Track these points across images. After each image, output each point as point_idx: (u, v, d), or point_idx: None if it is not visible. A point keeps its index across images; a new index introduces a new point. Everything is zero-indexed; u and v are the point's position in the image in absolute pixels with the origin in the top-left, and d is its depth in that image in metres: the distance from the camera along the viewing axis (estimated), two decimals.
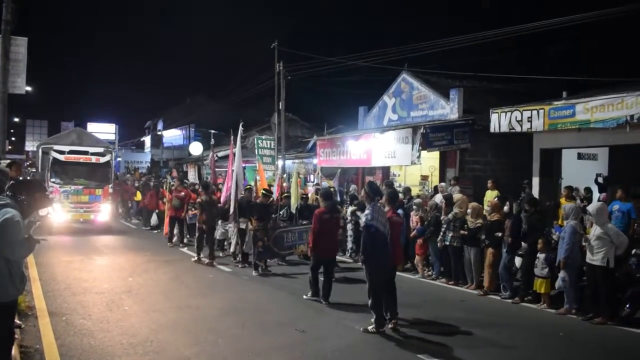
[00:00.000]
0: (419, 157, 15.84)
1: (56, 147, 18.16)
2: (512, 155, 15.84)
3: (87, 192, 17.92)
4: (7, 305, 4.42)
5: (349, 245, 13.67)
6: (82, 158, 18.17)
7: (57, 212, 16.71)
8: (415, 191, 15.96)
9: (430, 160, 17.50)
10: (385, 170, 19.41)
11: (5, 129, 14.09)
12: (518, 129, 13.32)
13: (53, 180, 17.53)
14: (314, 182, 21.19)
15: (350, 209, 13.55)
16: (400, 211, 9.94)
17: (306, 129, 34.16)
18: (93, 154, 18.51)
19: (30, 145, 61.52)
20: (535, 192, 13.52)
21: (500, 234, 9.97)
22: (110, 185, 18.71)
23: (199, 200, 13.94)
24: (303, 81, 26.16)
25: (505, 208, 10.64)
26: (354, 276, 11.28)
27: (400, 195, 12.74)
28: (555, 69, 19.08)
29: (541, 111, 12.71)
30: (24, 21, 13.66)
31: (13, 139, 64.57)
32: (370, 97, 22.32)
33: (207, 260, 12.84)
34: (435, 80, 19.46)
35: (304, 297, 9.48)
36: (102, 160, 18.53)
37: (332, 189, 13.80)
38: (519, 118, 13.23)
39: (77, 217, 17.95)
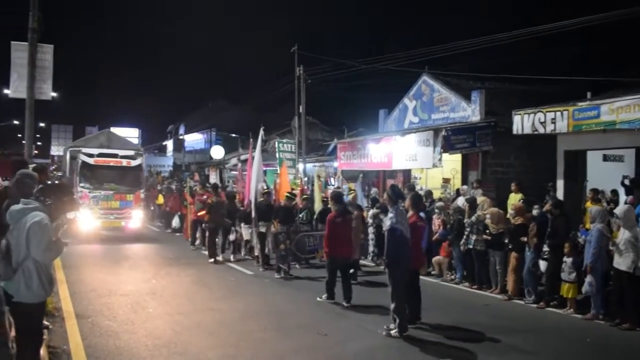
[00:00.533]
0: (440, 159, 15.73)
1: (85, 150, 17.39)
2: (535, 157, 15.64)
3: (117, 197, 16.95)
4: (37, 306, 4.51)
5: (371, 248, 13.63)
6: (112, 161, 17.26)
7: (86, 219, 16.02)
8: (437, 194, 15.85)
9: (452, 162, 17.37)
10: (407, 173, 19.30)
11: (32, 134, 14.34)
12: (541, 130, 13.15)
13: (82, 185, 16.68)
14: (334, 185, 21.18)
15: (372, 212, 13.50)
16: (422, 214, 9.87)
17: (326, 132, 34.15)
18: (123, 157, 17.61)
19: (55, 150, 62.60)
20: (560, 194, 13.32)
21: (525, 239, 9.85)
22: (142, 190, 17.85)
23: (208, 201, 14.36)
24: (323, 84, 26.17)
25: (535, 212, 10.46)
26: (376, 280, 11.25)
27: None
28: (576, 70, 18.78)
29: (565, 112, 12.53)
30: (48, 25, 13.85)
31: (39, 143, 65.76)
32: (390, 100, 22.25)
33: (221, 259, 13.62)
34: (456, 82, 19.32)
35: (318, 299, 9.50)
36: (133, 163, 17.58)
37: (352, 192, 13.79)
38: (542, 120, 13.06)
39: (107, 225, 17.00)
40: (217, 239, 14.25)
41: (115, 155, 17.52)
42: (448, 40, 19.24)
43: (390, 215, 7.60)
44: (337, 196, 10.15)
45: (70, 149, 18.67)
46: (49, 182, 5.08)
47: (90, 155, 17.14)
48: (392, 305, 7.49)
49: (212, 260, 13.40)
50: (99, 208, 16.62)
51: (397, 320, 7.42)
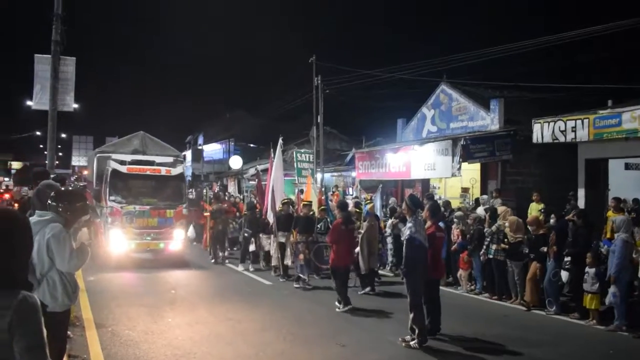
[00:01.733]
0: (459, 169, 15.64)
1: (115, 157, 14.54)
2: (556, 166, 15.47)
3: (155, 213, 13.87)
4: (62, 314, 4.59)
5: (389, 258, 13.56)
6: (148, 169, 14.25)
7: (117, 240, 13.47)
8: (455, 204, 15.75)
9: (471, 172, 17.26)
10: (425, 182, 19.22)
11: (55, 145, 14.58)
12: (562, 139, 13.02)
13: (112, 198, 13.66)
14: (352, 195, 21.16)
15: (390, 221, 13.45)
16: (441, 224, 9.82)
17: (344, 142, 34.21)
18: (161, 164, 14.72)
19: (76, 160, 63.60)
20: (582, 204, 13.16)
21: (545, 249, 9.73)
22: (184, 205, 14.64)
23: (210, 208, 15.04)
24: (341, 94, 26.23)
25: (552, 221, 10.36)
26: (395, 290, 11.18)
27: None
28: (596, 77, 18.61)
29: (586, 120, 12.41)
30: (70, 37, 14.11)
31: (60, 154, 66.77)
32: (408, 109, 22.24)
33: (227, 261, 14.90)
34: (474, 91, 19.24)
35: (337, 310, 9.49)
36: (174, 172, 14.48)
37: (369, 202, 13.79)
38: (562, 128, 12.94)
39: (142, 247, 14.04)
40: (226, 246, 15.59)
41: (151, 163, 14.67)
42: (466, 49, 19.13)
43: (409, 224, 7.56)
44: (343, 204, 10.65)
45: (98, 155, 15.38)
46: (63, 189, 5.14)
47: (122, 163, 14.21)
48: (411, 316, 7.43)
49: (213, 260, 15.06)
50: (134, 227, 13.56)
51: (417, 331, 7.35)
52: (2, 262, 2.25)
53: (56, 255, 4.38)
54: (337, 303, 9.60)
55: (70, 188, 7.30)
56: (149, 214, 13.78)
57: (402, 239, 7.47)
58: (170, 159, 15.08)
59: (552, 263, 9.58)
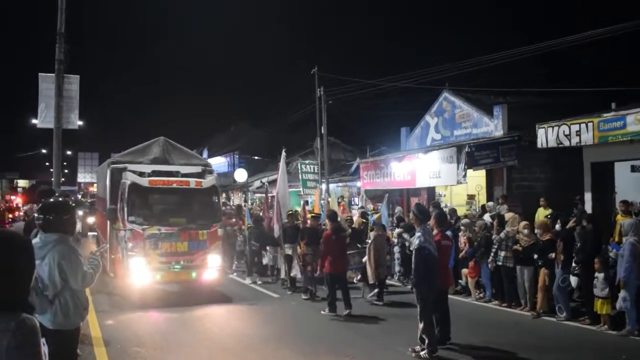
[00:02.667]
0: (464, 176, 15.60)
1: (133, 167, 11.81)
2: (561, 170, 15.41)
3: (185, 236, 11.04)
4: (74, 332, 4.64)
5: (397, 268, 13.51)
6: (175, 182, 11.56)
7: (140, 271, 10.62)
8: (462, 211, 15.70)
9: (477, 179, 17.21)
10: (431, 190, 19.18)
11: (60, 162, 14.66)
12: (566, 143, 12.97)
13: (132, 218, 10.88)
14: (358, 205, 21.13)
15: (397, 231, 13.41)
16: (448, 232, 9.78)
17: (348, 152, 34.20)
18: (187, 174, 12.06)
19: (82, 177, 63.88)
20: (588, 207, 13.08)
21: (553, 255, 9.67)
22: (218, 224, 11.81)
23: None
24: (344, 105, 26.30)
25: (557, 226, 10.31)
26: (403, 299, 11.13)
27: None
28: (598, 80, 18.55)
29: (590, 124, 12.36)
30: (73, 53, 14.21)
31: (66, 171, 67.15)
32: (411, 118, 22.23)
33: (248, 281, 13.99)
34: (477, 97, 19.24)
35: (322, 312, 10.12)
36: (205, 184, 11.74)
37: (375, 212, 13.77)
38: (567, 132, 12.89)
39: (170, 278, 11.14)
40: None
41: (176, 174, 12.03)
42: (468, 56, 19.18)
43: (418, 234, 7.54)
44: (333, 215, 11.19)
45: (112, 166, 12.39)
46: (52, 200, 5.13)
47: (142, 175, 11.65)
48: (421, 325, 7.39)
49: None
50: (159, 254, 10.74)
51: (427, 341, 7.31)
52: (3, 284, 2.25)
53: (70, 276, 4.44)
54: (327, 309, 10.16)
55: (59, 199, 6.11)
56: (177, 237, 10.90)
57: (411, 248, 7.46)
58: (198, 169, 12.47)
59: (561, 269, 9.51)
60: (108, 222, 12.02)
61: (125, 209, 10.94)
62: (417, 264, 7.45)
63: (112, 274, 11.98)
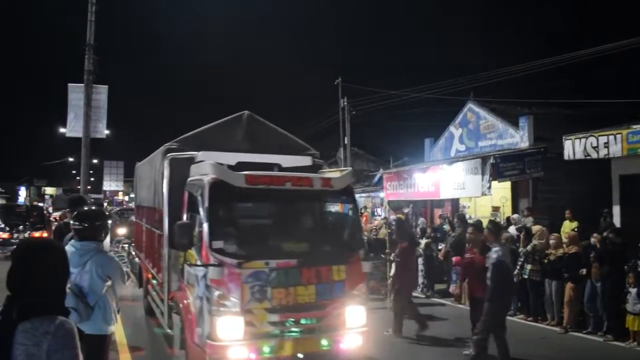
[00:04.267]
0: (489, 187, 15.40)
1: (210, 161, 6.54)
2: (589, 182, 15.14)
3: (311, 275, 6.19)
4: (110, 336, 4.84)
5: (420, 280, 13.40)
6: (288, 180, 6.58)
7: (234, 337, 5.79)
8: (486, 223, 15.52)
9: (502, 190, 17.02)
10: (455, 202, 19.02)
11: (87, 171, 14.94)
12: (594, 155, 12.77)
13: (218, 245, 5.99)
14: (381, 216, 21.06)
15: (425, 241, 13.33)
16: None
17: (372, 162, 34.18)
18: (290, 170, 7.46)
19: (107, 185, 64.76)
20: (617, 221, 12.84)
21: (584, 270, 9.49)
22: (362, 252, 6.92)
23: None
24: (367, 115, 26.33)
25: (592, 240, 10.13)
26: (426, 312, 11.00)
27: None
28: (626, 91, 18.33)
29: (618, 136, 12.15)
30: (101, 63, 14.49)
31: (92, 179, 68.14)
32: (435, 129, 22.17)
33: None
34: (502, 108, 19.09)
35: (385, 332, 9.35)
36: (337, 184, 6.85)
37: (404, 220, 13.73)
38: (594, 144, 12.69)
39: (286, 350, 5.98)
40: None
41: (272, 168, 7.40)
42: (493, 67, 19.09)
43: (495, 249, 7.45)
44: (404, 227, 10.34)
45: (172, 155, 7.44)
46: (86, 208, 5.32)
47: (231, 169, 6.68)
48: (475, 337, 7.31)
49: None
50: (267, 306, 5.98)
51: (474, 353, 7.26)
52: (42, 289, 2.35)
53: (115, 279, 4.74)
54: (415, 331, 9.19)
55: (93, 207, 5.36)
56: (297, 277, 6.12)
57: (488, 263, 7.33)
58: (305, 161, 7.89)
59: (590, 283, 9.34)
60: (165, 248, 7.21)
61: (206, 227, 6.03)
62: (494, 279, 7.30)
63: (177, 350, 6.84)
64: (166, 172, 7.29)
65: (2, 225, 19.59)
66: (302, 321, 6.08)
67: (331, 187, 6.72)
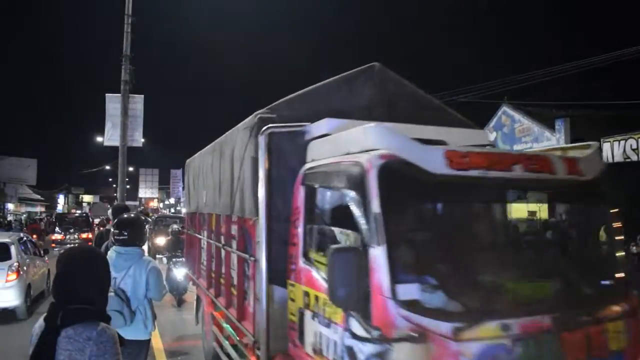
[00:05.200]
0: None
1: (339, 126, 3.86)
2: (628, 186, 14.76)
3: (575, 345, 2.94)
4: (147, 342, 4.89)
5: None
6: (513, 159, 3.28)
7: None
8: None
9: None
10: None
11: (124, 178, 15.23)
12: (634, 157, 12.48)
13: (407, 296, 2.77)
14: None
15: None
16: None
17: None
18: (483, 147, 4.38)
19: (142, 193, 65.93)
20: None
21: None
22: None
23: None
24: None
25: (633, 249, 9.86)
26: None
27: None
28: None
29: None
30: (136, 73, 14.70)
31: (128, 187, 69.34)
32: None
33: None
34: (538, 111, 18.77)
35: None
36: (588, 171, 3.62)
37: None
38: (634, 146, 12.42)
39: None
40: None
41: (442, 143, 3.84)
42: (528, 69, 18.80)
43: None
44: None
45: (270, 128, 4.13)
46: (125, 216, 5.41)
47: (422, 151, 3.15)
48: None
49: None
50: None
51: None
52: (85, 296, 2.39)
53: (154, 288, 4.73)
54: None
55: (132, 215, 5.33)
56: (554, 351, 2.90)
57: None
58: (478, 136, 5.00)
59: None
60: (262, 283, 4.14)
61: (380, 254, 2.87)
62: None
63: None
64: (262, 157, 4.17)
65: (58, 230, 24.94)
66: None
67: (580, 175, 3.64)
